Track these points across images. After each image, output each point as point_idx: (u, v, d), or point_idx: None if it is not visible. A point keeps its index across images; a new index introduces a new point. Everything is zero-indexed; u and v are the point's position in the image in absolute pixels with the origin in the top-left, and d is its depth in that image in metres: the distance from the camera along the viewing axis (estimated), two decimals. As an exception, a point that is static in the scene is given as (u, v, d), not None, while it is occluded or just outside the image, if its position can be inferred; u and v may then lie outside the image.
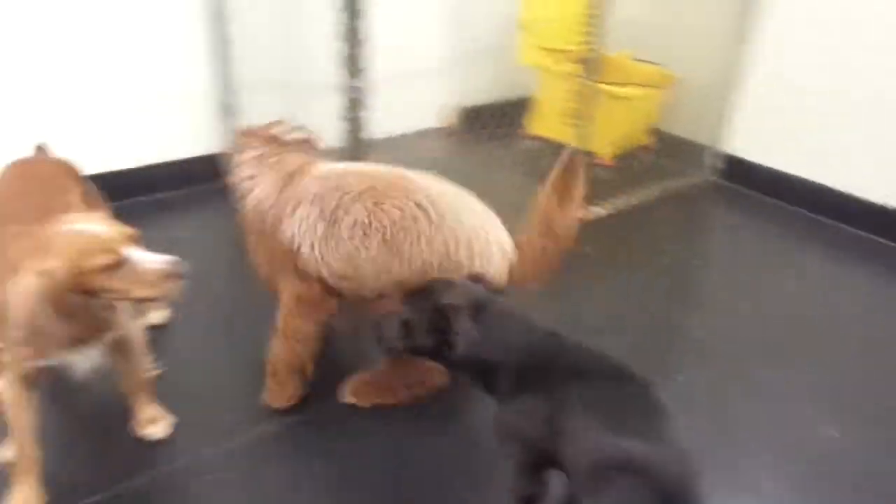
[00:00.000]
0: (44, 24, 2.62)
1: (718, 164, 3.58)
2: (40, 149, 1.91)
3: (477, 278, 1.60)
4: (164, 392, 1.86)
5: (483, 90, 2.67)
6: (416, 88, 2.52)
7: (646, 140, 3.59)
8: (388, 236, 1.67)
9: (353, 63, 2.14)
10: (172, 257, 1.42)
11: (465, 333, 1.42)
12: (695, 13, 3.39)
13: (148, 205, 2.99)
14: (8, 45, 2.58)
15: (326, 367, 2.08)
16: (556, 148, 3.45)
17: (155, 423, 1.79)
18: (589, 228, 3.04)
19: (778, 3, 3.18)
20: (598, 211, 3.14)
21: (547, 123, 3.50)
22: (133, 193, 2.96)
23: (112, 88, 2.85)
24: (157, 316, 2.15)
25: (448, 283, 1.53)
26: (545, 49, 3.45)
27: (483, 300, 1.50)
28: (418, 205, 1.68)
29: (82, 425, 1.85)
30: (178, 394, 1.92)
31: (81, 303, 1.38)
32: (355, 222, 1.68)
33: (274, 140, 1.90)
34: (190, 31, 2.96)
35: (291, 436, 1.85)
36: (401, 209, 1.67)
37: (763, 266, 2.86)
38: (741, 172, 3.52)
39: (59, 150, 2.75)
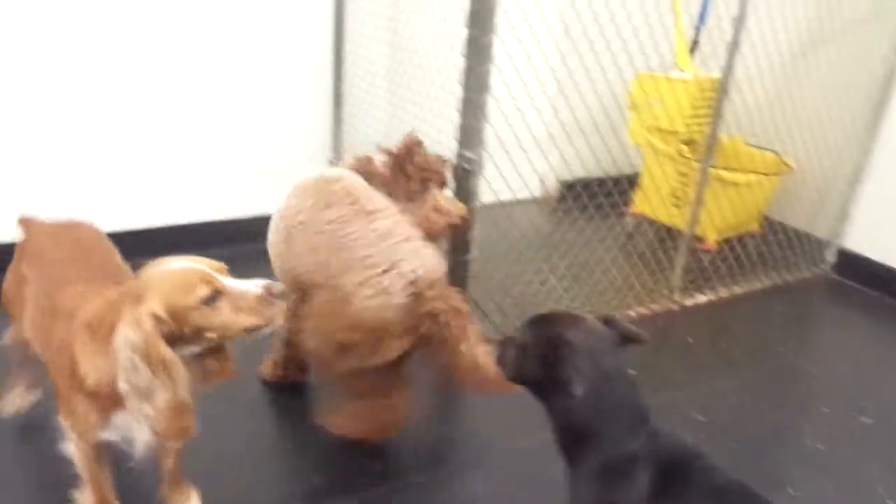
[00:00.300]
0: (188, 82, 2.82)
1: (831, 258, 3.40)
2: (25, 221, 1.80)
3: (609, 322, 1.42)
4: (216, 465, 1.84)
5: (587, 165, 2.65)
6: (520, 158, 2.53)
7: (755, 227, 3.45)
8: (289, 232, 1.85)
9: (470, 134, 2.16)
10: (266, 280, 1.38)
11: (579, 378, 1.27)
12: (818, 103, 3.28)
13: (251, 254, 3.07)
14: (150, 102, 2.78)
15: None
16: (659, 228, 3.39)
17: (186, 498, 1.73)
18: (690, 315, 2.93)
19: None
20: (700, 297, 3.02)
21: (652, 203, 3.43)
22: (238, 243, 3.07)
23: (230, 140, 3.00)
24: None
25: (575, 318, 1.39)
26: (654, 128, 3.42)
27: (606, 351, 1.35)
28: (329, 221, 1.77)
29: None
30: (228, 468, 1.89)
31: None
32: (279, 215, 1.94)
33: (365, 166, 2.05)
34: (311, 92, 3.10)
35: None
36: (306, 214, 1.82)
37: (882, 371, 2.66)
38: (856, 268, 3.32)
39: (173, 198, 2.92)
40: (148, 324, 1.25)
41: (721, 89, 2.59)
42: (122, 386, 1.26)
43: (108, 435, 1.42)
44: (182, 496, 1.71)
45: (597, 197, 2.73)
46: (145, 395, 1.26)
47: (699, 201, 2.78)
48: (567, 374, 1.27)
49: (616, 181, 2.98)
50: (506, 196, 2.54)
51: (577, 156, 2.60)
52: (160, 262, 1.34)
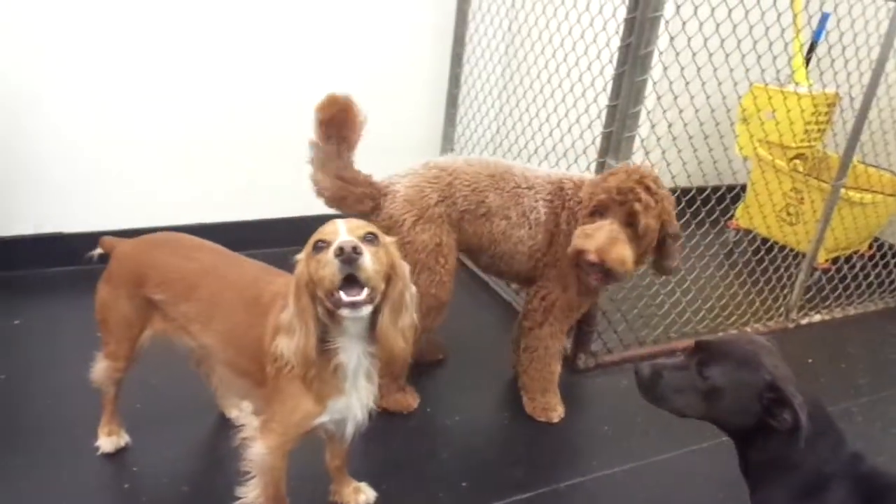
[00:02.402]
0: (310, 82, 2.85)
1: (945, 284, 3.32)
2: (109, 242, 1.73)
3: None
4: (375, 467, 1.88)
5: (688, 173, 2.60)
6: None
7: (864, 248, 3.38)
8: None
9: (618, 143, 2.14)
10: (348, 238, 1.23)
11: (806, 430, 1.21)
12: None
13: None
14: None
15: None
16: (762, 243, 3.33)
17: (359, 493, 1.75)
18: (805, 335, 2.87)
19: None
20: (815, 317, 2.97)
21: (757, 217, 3.38)
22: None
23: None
24: None
25: (768, 351, 1.32)
26: (764, 142, 3.36)
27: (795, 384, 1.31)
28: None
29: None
30: (395, 467, 1.93)
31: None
32: None
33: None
34: (427, 92, 3.12)
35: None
36: None
37: None
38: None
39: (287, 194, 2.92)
40: (298, 268, 1.30)
41: (862, 108, 2.53)
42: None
43: (321, 419, 1.42)
44: (354, 491, 1.74)
45: (698, 208, 2.68)
46: (285, 330, 1.32)
47: (826, 220, 2.72)
48: (791, 422, 1.23)
49: (719, 192, 2.91)
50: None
51: (682, 165, 2.57)
52: None
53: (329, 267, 1.20)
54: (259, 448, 1.45)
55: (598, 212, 1.83)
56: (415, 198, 1.96)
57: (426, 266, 1.95)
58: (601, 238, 1.80)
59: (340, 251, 1.19)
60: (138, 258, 1.63)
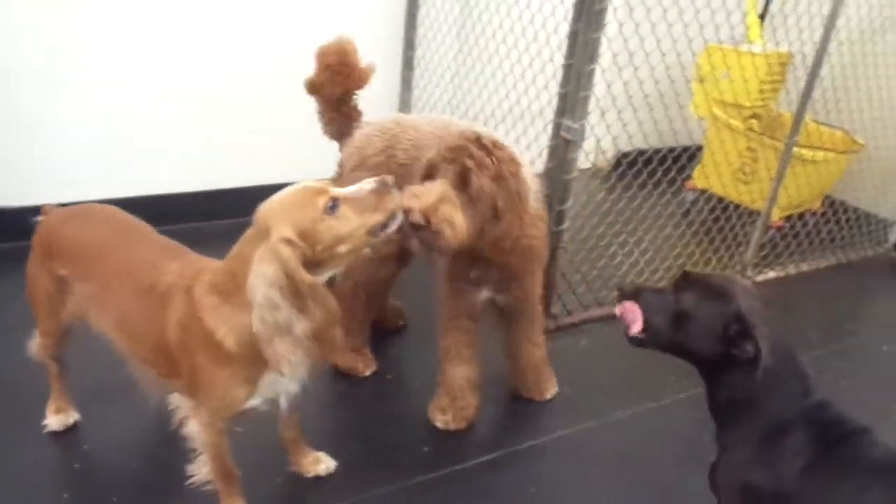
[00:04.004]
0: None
1: (894, 238, 3.40)
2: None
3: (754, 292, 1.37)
4: (339, 435, 1.88)
5: (644, 135, 2.58)
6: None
7: (817, 205, 3.44)
8: None
9: (574, 104, 2.11)
10: (375, 178, 1.35)
11: (766, 358, 1.23)
12: (891, 82, 3.24)
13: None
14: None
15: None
16: (718, 202, 3.35)
17: (318, 463, 1.73)
18: (760, 290, 2.87)
19: None
20: (770, 274, 3.01)
21: (713, 177, 3.40)
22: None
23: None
24: None
25: (742, 286, 1.35)
26: (720, 102, 3.37)
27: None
28: None
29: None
30: (355, 434, 1.93)
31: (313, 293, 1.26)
32: None
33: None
34: (382, 57, 3.03)
35: (467, 480, 1.81)
36: None
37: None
38: (917, 248, 3.33)
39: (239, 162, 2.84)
40: (284, 251, 1.20)
41: (814, 66, 2.54)
42: (257, 325, 1.20)
43: (252, 402, 1.39)
44: (313, 461, 1.71)
45: (655, 169, 2.67)
46: (282, 331, 1.21)
47: (780, 179, 2.75)
48: (752, 352, 1.24)
49: (675, 154, 2.90)
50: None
51: (638, 126, 2.55)
52: (270, 199, 1.28)
53: (390, 202, 1.34)
54: (194, 426, 1.42)
55: (429, 175, 1.65)
56: (362, 145, 2.00)
57: None
58: (428, 197, 1.58)
59: (390, 182, 1.36)
60: (50, 229, 1.54)
